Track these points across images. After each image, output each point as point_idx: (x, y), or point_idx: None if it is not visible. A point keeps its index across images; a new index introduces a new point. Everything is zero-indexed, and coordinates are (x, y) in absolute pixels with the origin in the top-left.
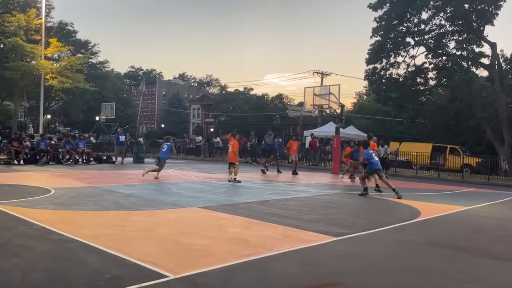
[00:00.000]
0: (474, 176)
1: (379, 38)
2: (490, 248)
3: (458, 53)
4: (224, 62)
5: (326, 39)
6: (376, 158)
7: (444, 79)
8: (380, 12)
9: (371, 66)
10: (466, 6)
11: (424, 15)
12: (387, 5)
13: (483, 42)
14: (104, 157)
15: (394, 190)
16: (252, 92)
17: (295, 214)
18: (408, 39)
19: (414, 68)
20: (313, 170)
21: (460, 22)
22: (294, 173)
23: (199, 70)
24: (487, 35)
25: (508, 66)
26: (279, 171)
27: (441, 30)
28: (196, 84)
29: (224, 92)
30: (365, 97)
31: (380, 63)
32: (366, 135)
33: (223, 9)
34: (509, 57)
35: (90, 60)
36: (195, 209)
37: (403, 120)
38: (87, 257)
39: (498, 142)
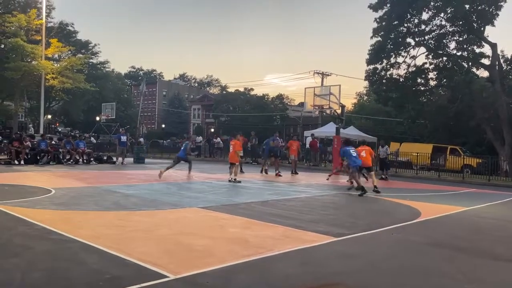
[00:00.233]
0: (474, 177)
1: (379, 38)
2: (490, 248)
3: (459, 53)
4: (224, 62)
5: (326, 39)
6: (355, 155)
7: (445, 80)
8: (380, 13)
9: (371, 67)
10: (467, 6)
11: (425, 16)
12: (388, 5)
13: (483, 43)
14: (105, 157)
15: (361, 189)
16: (252, 93)
17: (296, 215)
18: (409, 40)
19: (414, 69)
20: (314, 171)
21: (461, 22)
22: (295, 173)
23: (200, 70)
24: (488, 36)
25: (509, 67)
26: (279, 174)
27: (441, 31)
28: (196, 85)
29: (224, 92)
30: (365, 97)
31: (380, 64)
32: (366, 135)
33: (223, 9)
34: (509, 57)
35: (91, 60)
36: (195, 209)
37: (404, 120)
38: (87, 257)
39: (498, 143)
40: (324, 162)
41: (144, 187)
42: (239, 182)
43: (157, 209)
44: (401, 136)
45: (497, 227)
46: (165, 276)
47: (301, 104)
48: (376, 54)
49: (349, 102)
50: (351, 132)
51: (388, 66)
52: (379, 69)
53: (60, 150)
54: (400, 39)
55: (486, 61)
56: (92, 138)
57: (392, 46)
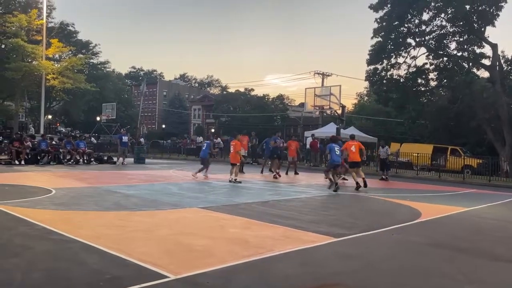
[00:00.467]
0: (475, 177)
1: (380, 39)
2: (490, 249)
3: (459, 54)
4: (224, 62)
5: (327, 39)
6: (338, 153)
7: (445, 80)
8: (381, 13)
9: (372, 67)
10: (467, 7)
11: (425, 16)
12: (388, 5)
13: (484, 43)
14: (105, 158)
15: (336, 184)
16: (252, 93)
17: (296, 215)
18: (409, 40)
19: (415, 69)
20: (314, 171)
21: (461, 23)
22: (295, 173)
23: (200, 70)
24: (488, 36)
25: (509, 67)
26: (275, 176)
27: (442, 31)
28: (197, 85)
29: (225, 92)
30: (366, 97)
31: (381, 64)
32: (366, 136)
33: (223, 9)
34: (510, 58)
35: (91, 60)
36: (195, 210)
37: (404, 121)
38: (87, 257)
39: (499, 143)
40: (324, 162)
41: (144, 187)
42: (240, 182)
43: (157, 210)
44: (402, 136)
45: (497, 228)
46: (166, 276)
47: (302, 105)
48: (377, 55)
49: (349, 103)
50: (352, 132)
51: (389, 66)
52: (380, 69)
53: (61, 150)
54: (400, 40)
55: (486, 62)
56: (92, 138)
57: (392, 47)
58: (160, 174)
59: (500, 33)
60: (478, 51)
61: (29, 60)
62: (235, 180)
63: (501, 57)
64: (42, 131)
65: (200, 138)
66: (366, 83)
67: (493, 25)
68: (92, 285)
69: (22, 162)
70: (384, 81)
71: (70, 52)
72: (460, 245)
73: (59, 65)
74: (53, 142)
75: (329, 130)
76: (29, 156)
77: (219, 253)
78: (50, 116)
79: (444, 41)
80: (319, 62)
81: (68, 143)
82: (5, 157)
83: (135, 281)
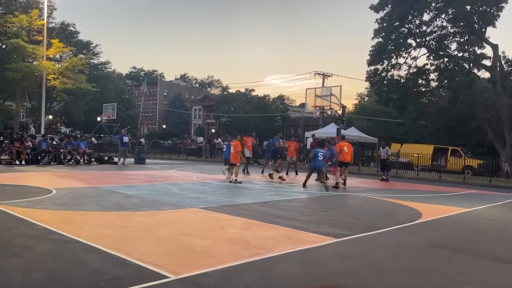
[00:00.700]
0: (475, 178)
1: (380, 39)
2: (491, 250)
3: (460, 54)
4: (225, 63)
5: (327, 39)
6: (320, 158)
7: (446, 81)
8: (381, 14)
9: (372, 67)
10: (468, 7)
11: (426, 17)
12: (389, 6)
13: (484, 44)
14: (106, 158)
15: (306, 184)
16: (253, 93)
17: (296, 215)
18: (410, 41)
19: (415, 70)
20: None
21: (462, 23)
22: (296, 173)
23: (201, 71)
24: (489, 37)
25: (510, 68)
26: (271, 176)
27: (442, 32)
28: (197, 85)
29: (225, 93)
30: (366, 98)
31: (381, 65)
32: (367, 136)
33: (224, 9)
34: (510, 58)
35: (92, 60)
36: (196, 210)
37: (405, 121)
38: (88, 258)
39: (499, 144)
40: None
41: (145, 187)
42: (240, 182)
43: (157, 210)
44: (402, 137)
45: (498, 229)
46: (166, 277)
47: (302, 105)
48: (377, 55)
49: (350, 103)
50: (352, 133)
51: (389, 67)
52: (380, 70)
53: (61, 150)
54: (401, 40)
55: (487, 62)
56: (93, 139)
57: (393, 47)
58: (160, 175)
59: (501, 34)
60: (478, 51)
61: (30, 61)
62: (235, 180)
63: (501, 58)
64: (42, 131)
65: (201, 139)
66: (367, 84)
67: (494, 26)
68: (93, 285)
69: (23, 162)
70: (385, 82)
71: (70, 52)
72: (461, 246)
73: (59, 66)
74: (54, 142)
75: (330, 130)
76: (30, 156)
77: (219, 254)
78: (50, 116)
79: (445, 41)
80: (320, 62)
81: (68, 143)
82: (5, 157)
83: (136, 281)
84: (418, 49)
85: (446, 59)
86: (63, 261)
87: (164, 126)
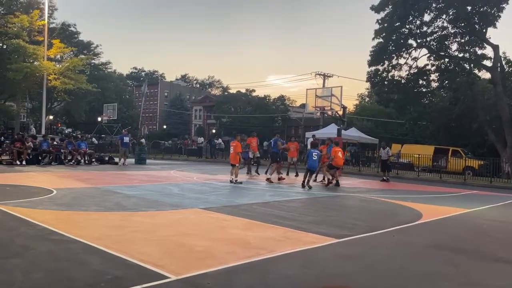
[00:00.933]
0: (476, 179)
1: (381, 40)
2: (492, 250)
3: (461, 55)
4: (225, 63)
5: (328, 40)
6: (314, 159)
7: (446, 81)
8: (382, 14)
9: (373, 68)
10: (469, 8)
11: (427, 17)
12: (390, 7)
13: (485, 44)
14: (106, 158)
15: (305, 184)
16: (254, 94)
17: (296, 216)
18: (410, 41)
19: (416, 70)
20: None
21: (463, 24)
22: (296, 174)
23: (201, 71)
24: (490, 37)
25: (511, 68)
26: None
27: (443, 32)
28: (198, 86)
29: (226, 93)
30: (367, 98)
31: (382, 65)
32: (367, 137)
33: (225, 9)
34: (511, 59)
35: (93, 61)
36: (196, 210)
37: (405, 122)
38: (88, 258)
39: (500, 145)
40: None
41: (145, 188)
42: (240, 183)
43: (158, 210)
44: (403, 137)
45: (498, 229)
46: (166, 277)
47: (303, 106)
48: (378, 56)
49: (350, 104)
50: (353, 133)
51: (390, 67)
52: (381, 70)
53: (62, 150)
54: (402, 41)
55: (488, 63)
56: (93, 139)
57: (393, 48)
58: (161, 175)
59: (502, 35)
60: (479, 52)
61: (31, 61)
62: (235, 181)
63: (502, 59)
64: (43, 132)
65: (201, 139)
66: (367, 84)
67: (495, 27)
68: (93, 286)
69: (24, 163)
70: (385, 82)
71: (71, 52)
72: (461, 247)
73: (60, 66)
74: (55, 143)
75: (330, 131)
76: (31, 157)
77: (219, 254)
78: (51, 117)
79: (446, 42)
80: (320, 63)
81: (69, 144)
82: (6, 157)
83: (136, 282)
84: (418, 50)
85: (446, 60)
86: (64, 262)
87: (164, 127)
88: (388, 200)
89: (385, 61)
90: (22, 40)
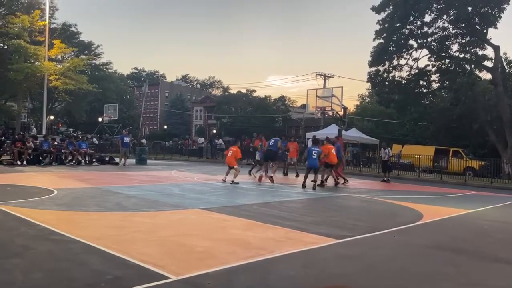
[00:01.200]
0: (477, 179)
1: (382, 40)
2: (492, 251)
3: (461, 55)
4: (226, 63)
5: (329, 40)
6: (314, 157)
7: (447, 82)
8: (383, 15)
9: (374, 69)
10: (469, 9)
11: (427, 18)
12: (390, 7)
13: (486, 45)
14: (107, 158)
15: (305, 184)
16: (254, 94)
17: (297, 216)
18: (411, 42)
19: (417, 71)
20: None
21: (464, 25)
22: (296, 175)
23: (202, 71)
24: (490, 38)
25: (511, 69)
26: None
27: (444, 33)
28: (198, 86)
29: (226, 93)
30: (367, 99)
31: (383, 66)
32: (368, 137)
33: (225, 10)
34: None
35: (93, 61)
36: (197, 211)
37: (406, 122)
38: (89, 258)
39: (501, 145)
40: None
41: (146, 188)
42: (237, 183)
43: (158, 210)
44: (403, 138)
45: (499, 230)
46: (167, 277)
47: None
48: (379, 56)
49: (351, 104)
50: (353, 134)
51: (391, 68)
52: (382, 71)
53: (63, 151)
54: (402, 41)
55: (488, 64)
56: (94, 139)
57: (394, 48)
58: (161, 175)
59: (502, 35)
60: (480, 53)
61: (32, 61)
62: (232, 181)
63: (503, 59)
64: (44, 132)
65: (202, 139)
66: (368, 85)
67: (495, 27)
68: (94, 286)
69: (24, 163)
70: (386, 83)
71: (72, 53)
72: (462, 247)
73: (61, 66)
74: (55, 143)
75: (331, 131)
76: (31, 157)
77: (220, 254)
78: (52, 117)
79: (446, 43)
80: (321, 63)
81: (70, 144)
82: (7, 157)
83: (137, 282)
84: (419, 50)
85: (447, 60)
86: (64, 262)
87: (165, 127)
88: (388, 200)
89: (386, 62)
90: (23, 40)
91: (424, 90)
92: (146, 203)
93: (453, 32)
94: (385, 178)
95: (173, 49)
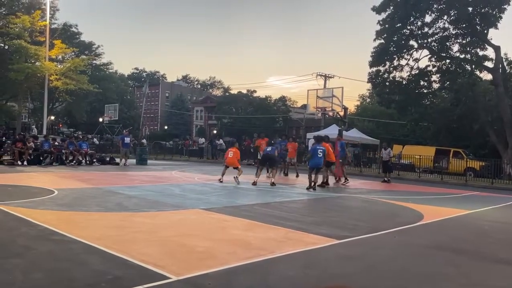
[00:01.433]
0: (477, 180)
1: (382, 41)
2: (493, 251)
3: (462, 56)
4: (227, 64)
5: (329, 41)
6: (320, 155)
7: (448, 82)
8: (383, 15)
9: (374, 69)
10: (470, 9)
11: (428, 18)
12: (391, 8)
13: (486, 45)
14: (107, 159)
15: (312, 186)
16: (255, 94)
17: (298, 217)
18: (412, 42)
19: (417, 71)
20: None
21: (464, 25)
22: (296, 175)
23: (202, 71)
24: (491, 39)
25: None
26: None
27: (444, 33)
28: (199, 86)
29: (227, 94)
30: (368, 99)
31: (383, 66)
32: (369, 137)
33: (226, 10)
34: None
35: (94, 61)
36: (197, 211)
37: (407, 123)
38: (89, 258)
39: (501, 146)
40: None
41: (146, 188)
42: (221, 182)
43: (159, 211)
44: (404, 138)
45: (500, 230)
46: (167, 277)
47: (304, 106)
48: (379, 57)
49: (351, 104)
50: (354, 134)
51: (391, 68)
52: (382, 71)
53: (63, 151)
54: (403, 42)
55: (489, 64)
56: (95, 139)
57: (395, 49)
58: (162, 175)
59: (503, 36)
60: (481, 53)
61: (32, 61)
62: (219, 180)
63: (504, 60)
64: (44, 132)
65: (202, 140)
66: (369, 85)
67: (496, 28)
68: (94, 286)
69: (25, 163)
70: (387, 83)
71: (73, 53)
72: (463, 248)
73: (62, 66)
74: (56, 143)
75: (331, 131)
76: (32, 157)
77: (220, 255)
78: (53, 117)
79: (447, 43)
80: (322, 63)
81: (70, 144)
82: (8, 157)
83: (137, 282)
84: (420, 51)
85: (448, 61)
86: (65, 262)
87: (165, 127)
88: (389, 201)
89: (387, 62)
90: (23, 40)
91: (425, 91)
92: (147, 203)
93: (454, 32)
94: (385, 179)
95: (173, 49)
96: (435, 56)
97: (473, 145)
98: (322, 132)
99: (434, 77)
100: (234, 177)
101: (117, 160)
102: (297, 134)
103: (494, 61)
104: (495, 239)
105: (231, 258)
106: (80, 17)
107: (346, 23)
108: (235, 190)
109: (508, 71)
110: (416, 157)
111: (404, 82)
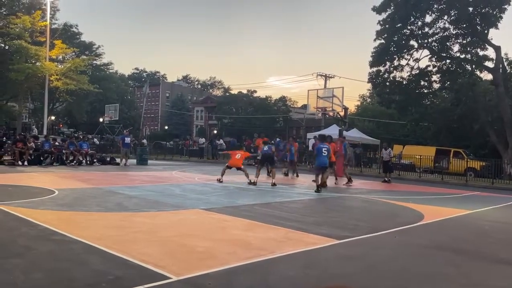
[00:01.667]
0: (478, 180)
1: (383, 41)
2: (493, 251)
3: (462, 56)
4: (227, 64)
5: (329, 41)
6: (325, 154)
7: (448, 82)
8: (384, 15)
9: (374, 69)
10: (470, 9)
11: (428, 18)
12: (391, 8)
13: (487, 45)
14: (108, 159)
15: (318, 188)
16: (255, 95)
17: (298, 217)
18: (412, 42)
19: (417, 71)
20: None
21: (464, 25)
22: (296, 175)
23: (203, 72)
24: (491, 39)
25: None
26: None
27: (445, 33)
28: (199, 86)
29: (227, 94)
30: (368, 99)
31: (383, 66)
32: (369, 138)
33: (226, 10)
34: None
35: (94, 61)
36: (197, 211)
37: (407, 123)
38: (89, 258)
39: (502, 146)
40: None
41: (146, 188)
42: (221, 182)
43: (159, 211)
44: (404, 138)
45: (500, 230)
46: (168, 278)
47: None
48: (380, 57)
49: (352, 104)
50: (354, 134)
51: (392, 68)
52: (383, 71)
53: (64, 151)
54: (403, 42)
55: (489, 64)
56: (95, 139)
57: (395, 49)
58: (162, 176)
59: (504, 36)
60: (481, 53)
61: (33, 62)
62: (218, 180)
63: (504, 60)
64: (45, 132)
65: (202, 140)
66: (369, 85)
67: (496, 28)
68: (94, 286)
69: (25, 163)
70: (387, 83)
71: (73, 53)
72: (463, 248)
73: (62, 67)
74: (56, 143)
75: (332, 132)
76: (32, 157)
77: (220, 255)
78: (53, 117)
79: (447, 43)
80: (322, 63)
81: (71, 144)
82: (8, 157)
83: (137, 282)
84: (420, 51)
85: (448, 61)
86: (65, 262)
87: (166, 127)
88: (389, 201)
89: (387, 62)
90: (24, 41)
91: (425, 91)
92: (147, 203)
93: (454, 32)
94: (386, 179)
95: (174, 49)
96: (436, 56)
97: (474, 145)
98: (323, 132)
99: (434, 77)
100: (250, 181)
101: (118, 160)
102: (298, 134)
103: (494, 61)
104: (495, 239)
105: (231, 258)
106: (80, 17)
107: (346, 23)
108: (235, 190)
109: (508, 71)
110: (417, 157)
111: (404, 82)
